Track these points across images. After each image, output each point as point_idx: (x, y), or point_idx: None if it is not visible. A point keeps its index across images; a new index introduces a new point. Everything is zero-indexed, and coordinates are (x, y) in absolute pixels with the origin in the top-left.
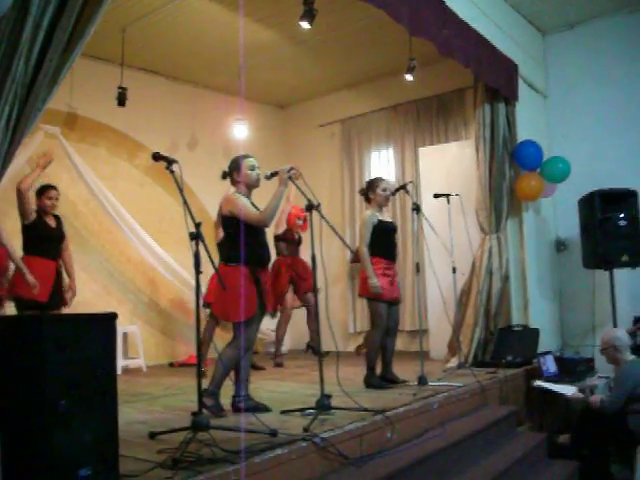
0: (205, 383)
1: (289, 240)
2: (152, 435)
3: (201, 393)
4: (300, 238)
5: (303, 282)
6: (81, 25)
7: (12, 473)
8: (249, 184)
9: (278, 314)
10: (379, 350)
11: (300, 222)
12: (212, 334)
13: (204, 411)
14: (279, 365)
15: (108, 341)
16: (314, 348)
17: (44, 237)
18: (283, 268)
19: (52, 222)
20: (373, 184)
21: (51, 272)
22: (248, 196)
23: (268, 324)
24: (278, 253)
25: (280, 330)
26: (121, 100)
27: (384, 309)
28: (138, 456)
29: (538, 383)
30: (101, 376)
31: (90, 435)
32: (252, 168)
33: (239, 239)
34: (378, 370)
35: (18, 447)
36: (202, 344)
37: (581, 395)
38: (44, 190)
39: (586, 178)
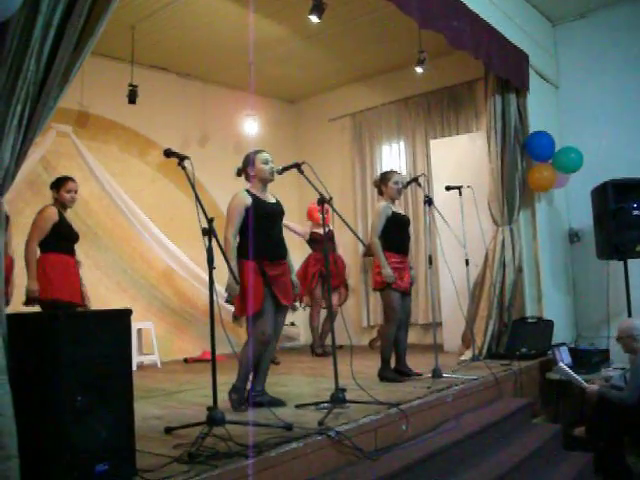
0: None
1: (317, 239)
2: (168, 430)
3: (215, 388)
4: (330, 232)
5: (335, 277)
6: (91, 23)
7: (30, 469)
8: (263, 178)
9: (300, 307)
10: (393, 343)
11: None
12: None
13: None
14: (323, 355)
15: (123, 337)
16: (313, 348)
17: (67, 235)
18: (311, 262)
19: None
20: (385, 177)
21: (76, 270)
22: (262, 190)
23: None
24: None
25: (314, 322)
26: (132, 98)
27: (398, 299)
28: (154, 451)
29: (561, 365)
30: (117, 372)
31: (106, 430)
32: (265, 162)
33: (246, 234)
34: (392, 363)
35: (35, 443)
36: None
37: (595, 388)
38: (61, 183)
39: (599, 168)
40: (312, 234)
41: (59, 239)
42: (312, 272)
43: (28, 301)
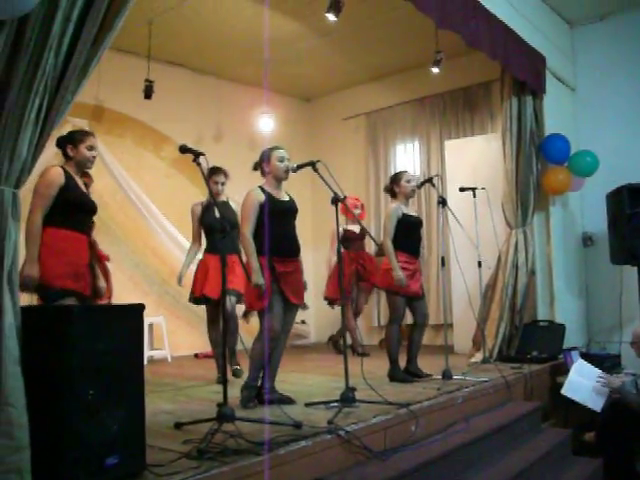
0: None
1: (351, 238)
2: (178, 425)
3: (226, 384)
4: (363, 231)
5: (369, 275)
6: (110, 18)
7: (41, 460)
8: (277, 176)
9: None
10: (400, 343)
11: (358, 211)
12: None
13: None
14: (364, 354)
15: (136, 332)
16: (354, 348)
17: (77, 204)
18: (346, 261)
19: (83, 185)
20: (397, 177)
21: (87, 253)
22: (277, 188)
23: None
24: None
25: (350, 322)
26: (147, 93)
27: (402, 303)
28: (164, 446)
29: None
30: (128, 366)
31: (117, 424)
32: (281, 160)
33: (260, 231)
34: (402, 363)
35: (47, 436)
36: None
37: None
38: (81, 137)
39: (614, 172)
40: (345, 232)
41: (66, 209)
42: (348, 270)
43: (23, 287)
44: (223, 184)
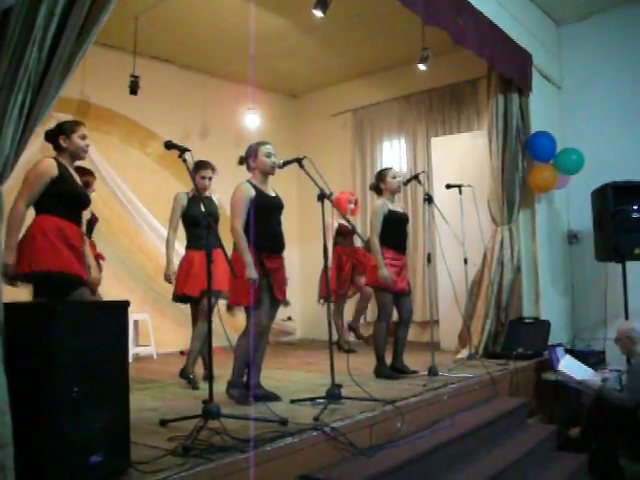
0: None
1: (344, 232)
2: (163, 422)
3: (212, 381)
4: (353, 227)
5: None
6: (94, 12)
7: (24, 458)
8: (264, 171)
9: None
10: (387, 340)
11: (352, 206)
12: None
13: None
14: (350, 351)
15: (120, 329)
16: (355, 329)
17: (71, 195)
18: (344, 257)
19: (76, 176)
20: (382, 174)
21: (81, 243)
22: (263, 183)
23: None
24: (334, 244)
25: (337, 318)
26: (133, 88)
27: (390, 300)
28: (149, 443)
29: (560, 368)
30: (113, 363)
31: (101, 422)
32: (268, 155)
33: (248, 226)
34: (388, 360)
35: (30, 433)
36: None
37: (597, 384)
38: (73, 127)
39: (599, 170)
40: (340, 226)
41: (59, 200)
42: (347, 267)
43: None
44: (210, 179)
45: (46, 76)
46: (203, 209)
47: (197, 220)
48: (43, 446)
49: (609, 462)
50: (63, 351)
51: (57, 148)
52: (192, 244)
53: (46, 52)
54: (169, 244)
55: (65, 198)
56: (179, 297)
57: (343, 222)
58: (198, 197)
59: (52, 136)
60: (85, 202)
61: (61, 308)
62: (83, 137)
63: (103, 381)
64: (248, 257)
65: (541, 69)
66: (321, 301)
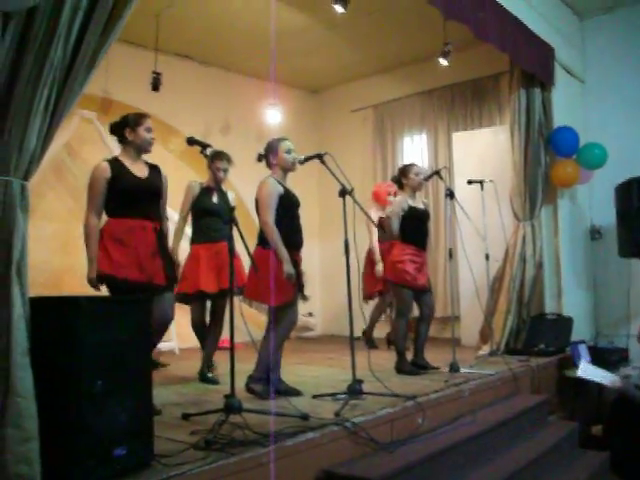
0: None
1: (384, 226)
2: (185, 416)
3: (233, 376)
4: (370, 219)
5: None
6: (118, 8)
7: (49, 452)
8: (285, 167)
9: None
10: (407, 336)
11: (392, 198)
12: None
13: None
14: (372, 346)
15: (143, 323)
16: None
17: (131, 190)
18: (384, 252)
19: (143, 170)
20: (405, 170)
21: (153, 238)
22: (283, 179)
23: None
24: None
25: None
26: (155, 85)
27: (409, 296)
28: (172, 437)
29: (580, 373)
30: (137, 357)
31: (125, 415)
32: (288, 151)
33: (275, 223)
34: (409, 356)
35: (55, 427)
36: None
37: (619, 383)
38: (139, 120)
39: (624, 165)
40: (380, 220)
41: (121, 199)
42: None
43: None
44: (226, 171)
45: (71, 72)
46: (215, 201)
47: (208, 212)
48: (68, 439)
49: (632, 460)
50: (87, 345)
51: (122, 141)
52: (197, 238)
53: (71, 48)
54: (178, 232)
55: (126, 195)
56: (190, 296)
57: (383, 215)
58: (212, 189)
59: (117, 128)
60: (148, 193)
61: (85, 302)
62: (149, 130)
63: (127, 375)
64: (284, 252)
65: (564, 63)
66: (365, 301)
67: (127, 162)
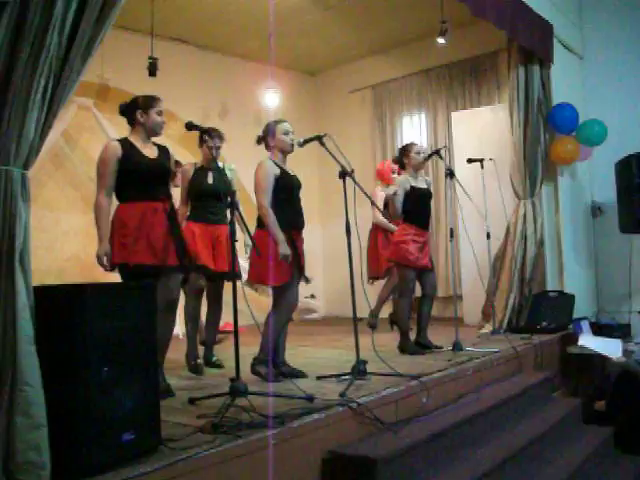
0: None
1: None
2: (191, 401)
3: (238, 359)
4: (371, 199)
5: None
6: None
7: (58, 439)
8: (283, 149)
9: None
10: (410, 316)
11: (395, 175)
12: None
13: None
14: (372, 326)
15: (149, 309)
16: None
17: (141, 170)
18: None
19: (153, 151)
20: (406, 149)
21: (164, 219)
22: (282, 161)
23: (304, 292)
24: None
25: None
26: (152, 70)
27: (412, 276)
28: (178, 421)
29: (582, 343)
30: (142, 343)
31: (132, 401)
32: (286, 133)
33: (273, 204)
34: (412, 336)
35: (63, 414)
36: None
37: (623, 359)
38: (152, 102)
39: (623, 141)
40: (386, 197)
41: (131, 180)
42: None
43: (101, 265)
44: (218, 148)
45: (67, 60)
46: (211, 181)
47: (203, 192)
48: (76, 426)
49: (635, 435)
50: (92, 332)
51: (132, 123)
52: (193, 217)
53: (66, 36)
54: (181, 219)
55: (135, 175)
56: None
57: (389, 193)
58: (207, 168)
59: (128, 110)
60: (160, 172)
61: (90, 290)
62: (160, 113)
63: (133, 361)
64: (280, 234)
65: (562, 39)
66: (370, 281)
67: (137, 143)
